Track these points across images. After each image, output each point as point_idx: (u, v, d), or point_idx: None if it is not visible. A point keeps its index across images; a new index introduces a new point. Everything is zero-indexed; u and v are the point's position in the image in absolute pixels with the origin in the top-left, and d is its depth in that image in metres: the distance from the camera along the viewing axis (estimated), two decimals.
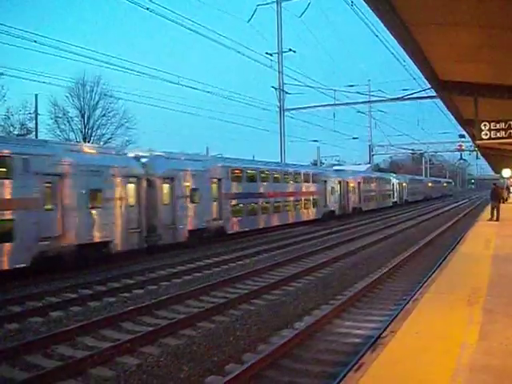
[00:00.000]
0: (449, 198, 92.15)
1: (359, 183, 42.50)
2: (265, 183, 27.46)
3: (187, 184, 20.47)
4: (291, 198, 30.05)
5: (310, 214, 32.42)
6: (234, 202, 24.08)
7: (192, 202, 20.71)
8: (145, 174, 18.46)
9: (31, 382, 6.55)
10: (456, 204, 62.56)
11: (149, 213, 18.45)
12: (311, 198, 32.66)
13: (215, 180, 22.78)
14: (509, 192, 45.08)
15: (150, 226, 18.50)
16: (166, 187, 19.51)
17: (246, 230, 24.91)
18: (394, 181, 56.70)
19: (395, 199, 56.19)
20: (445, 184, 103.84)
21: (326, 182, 35.00)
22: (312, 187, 33.04)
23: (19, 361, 7.57)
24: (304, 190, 31.89)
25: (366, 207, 44.06)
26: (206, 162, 22.97)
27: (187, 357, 7.51)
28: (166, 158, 20.41)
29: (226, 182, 23.45)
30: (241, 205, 24.73)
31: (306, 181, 32.49)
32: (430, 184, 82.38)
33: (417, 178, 75.93)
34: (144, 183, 18.33)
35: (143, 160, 19.22)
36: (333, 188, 36.09)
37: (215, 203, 22.65)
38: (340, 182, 37.68)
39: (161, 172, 19.29)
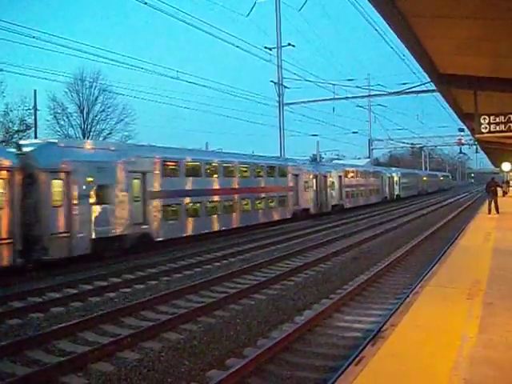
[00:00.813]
0: (447, 192, 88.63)
1: (340, 177, 38.45)
2: (212, 178, 22.91)
3: (90, 179, 15.99)
4: (249, 196, 25.22)
5: (275, 213, 27.86)
6: (165, 201, 19.37)
7: (99, 202, 16.26)
8: (22, 166, 14.23)
9: (32, 378, 6.56)
10: (454, 199, 60.32)
11: (28, 218, 14.17)
12: (277, 194, 27.93)
13: (138, 174, 18.13)
14: (508, 186, 44.94)
15: (29, 235, 14.14)
16: (56, 184, 15.04)
17: (184, 236, 20.37)
18: (384, 174, 52.43)
19: (385, 195, 52.10)
20: (441, 178, 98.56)
21: (297, 176, 30.49)
22: (278, 182, 28.41)
23: (20, 356, 7.59)
24: (267, 185, 27.10)
25: (350, 204, 40.11)
26: (125, 151, 18.22)
27: (188, 351, 7.52)
28: (58, 147, 15.84)
29: (153, 176, 18.87)
30: (176, 205, 20.03)
31: (271, 175, 27.95)
32: (425, 178, 77.75)
33: (410, 171, 71.57)
34: (18, 178, 14.00)
35: (26, 149, 15.12)
36: (306, 183, 31.70)
37: (138, 204, 18.03)
38: (316, 177, 33.57)
39: (48, 164, 14.83)
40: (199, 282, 12.55)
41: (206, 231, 21.80)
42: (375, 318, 9.04)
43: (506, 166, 36.64)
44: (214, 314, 9.66)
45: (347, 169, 42.22)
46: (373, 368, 4.80)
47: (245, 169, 25.75)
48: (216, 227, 22.61)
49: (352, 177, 42.14)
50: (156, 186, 19.01)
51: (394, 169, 62.49)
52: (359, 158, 66.08)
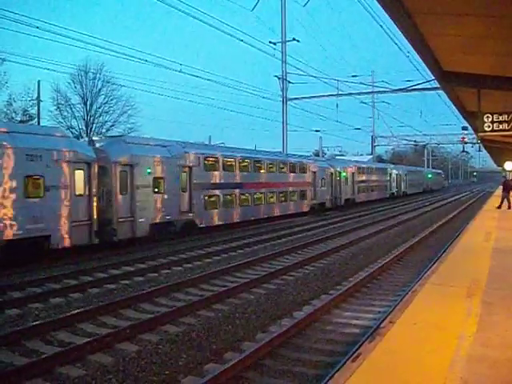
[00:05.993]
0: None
1: (190, 168, 20.26)
2: None
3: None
4: None
5: None
6: None
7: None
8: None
9: (30, 368, 6.58)
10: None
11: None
12: None
13: None
14: None
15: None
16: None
17: None
18: (315, 167, 32.30)
19: (320, 200, 32.44)
20: (430, 175, 77.26)
21: None
22: None
23: (19, 346, 7.62)
24: None
25: (220, 219, 22.31)
26: None
27: (186, 344, 7.55)
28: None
29: None
30: None
31: None
32: (402, 175, 56.59)
33: (373, 164, 51.89)
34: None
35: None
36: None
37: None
38: (90, 166, 15.79)
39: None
40: (199, 275, 12.57)
41: None
42: (374, 314, 9.05)
43: (508, 165, 36.59)
44: (213, 308, 9.68)
45: (214, 153, 22.77)
46: (370, 364, 4.80)
47: None
48: None
49: (228, 169, 23.33)
50: None
51: (345, 160, 44.78)
52: (361, 155, 65.88)
